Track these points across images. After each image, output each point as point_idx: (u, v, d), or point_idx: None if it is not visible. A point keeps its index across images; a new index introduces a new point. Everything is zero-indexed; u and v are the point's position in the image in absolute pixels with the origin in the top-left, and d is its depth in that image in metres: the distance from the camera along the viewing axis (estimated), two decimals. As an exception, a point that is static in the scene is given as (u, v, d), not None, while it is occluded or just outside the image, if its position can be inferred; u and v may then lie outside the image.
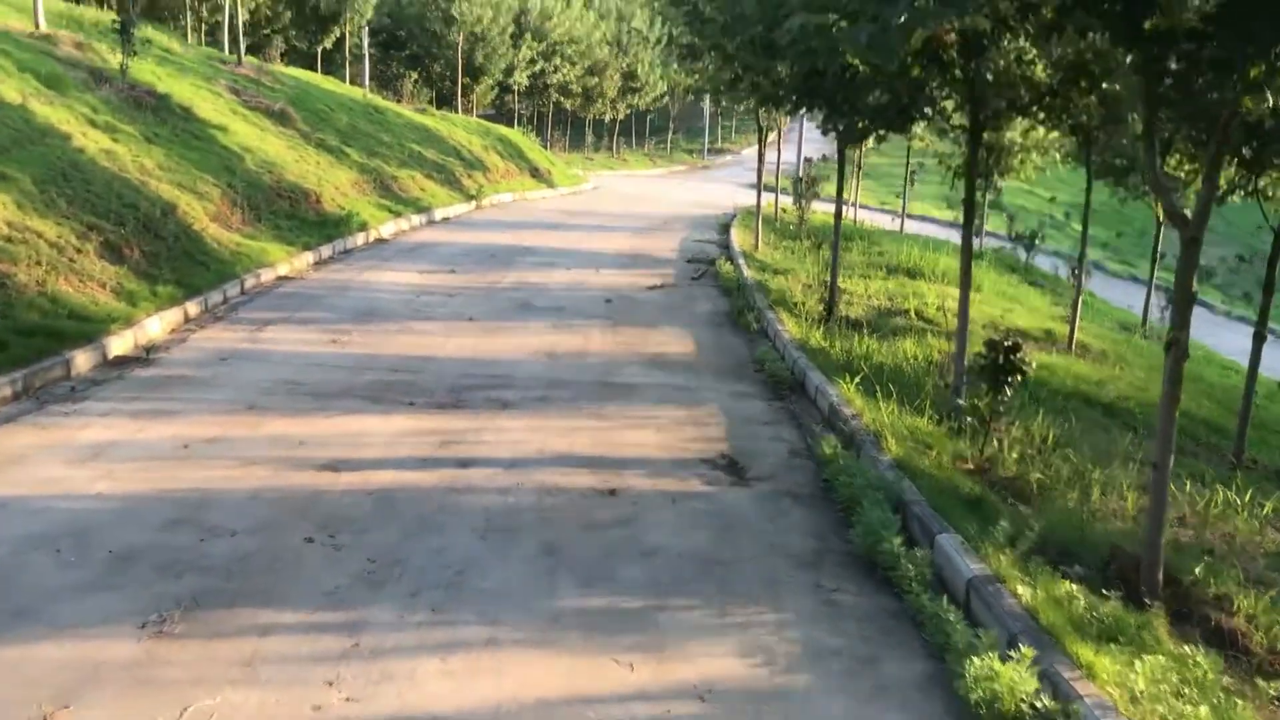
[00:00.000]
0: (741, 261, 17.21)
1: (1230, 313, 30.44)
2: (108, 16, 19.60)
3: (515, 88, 50.01)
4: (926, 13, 5.44)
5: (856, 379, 9.01)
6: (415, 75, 42.95)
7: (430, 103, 41.52)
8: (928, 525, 6.11)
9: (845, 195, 32.93)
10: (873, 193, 43.43)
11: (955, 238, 30.77)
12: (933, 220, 38.32)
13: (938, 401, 9.06)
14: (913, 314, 14.33)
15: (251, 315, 11.51)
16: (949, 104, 9.59)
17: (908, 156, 28.79)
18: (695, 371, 10.31)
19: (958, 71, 8.49)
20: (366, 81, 33.92)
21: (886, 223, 32.75)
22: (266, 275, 13.54)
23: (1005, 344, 7.66)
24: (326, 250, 15.99)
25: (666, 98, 63.58)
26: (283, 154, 19.23)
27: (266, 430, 7.56)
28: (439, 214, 22.41)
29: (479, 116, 43.05)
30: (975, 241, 27.03)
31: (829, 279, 15.73)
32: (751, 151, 69.76)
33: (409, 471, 6.87)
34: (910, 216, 36.51)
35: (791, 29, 6.25)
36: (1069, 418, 9.89)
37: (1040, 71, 8.90)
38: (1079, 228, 47.41)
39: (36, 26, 16.55)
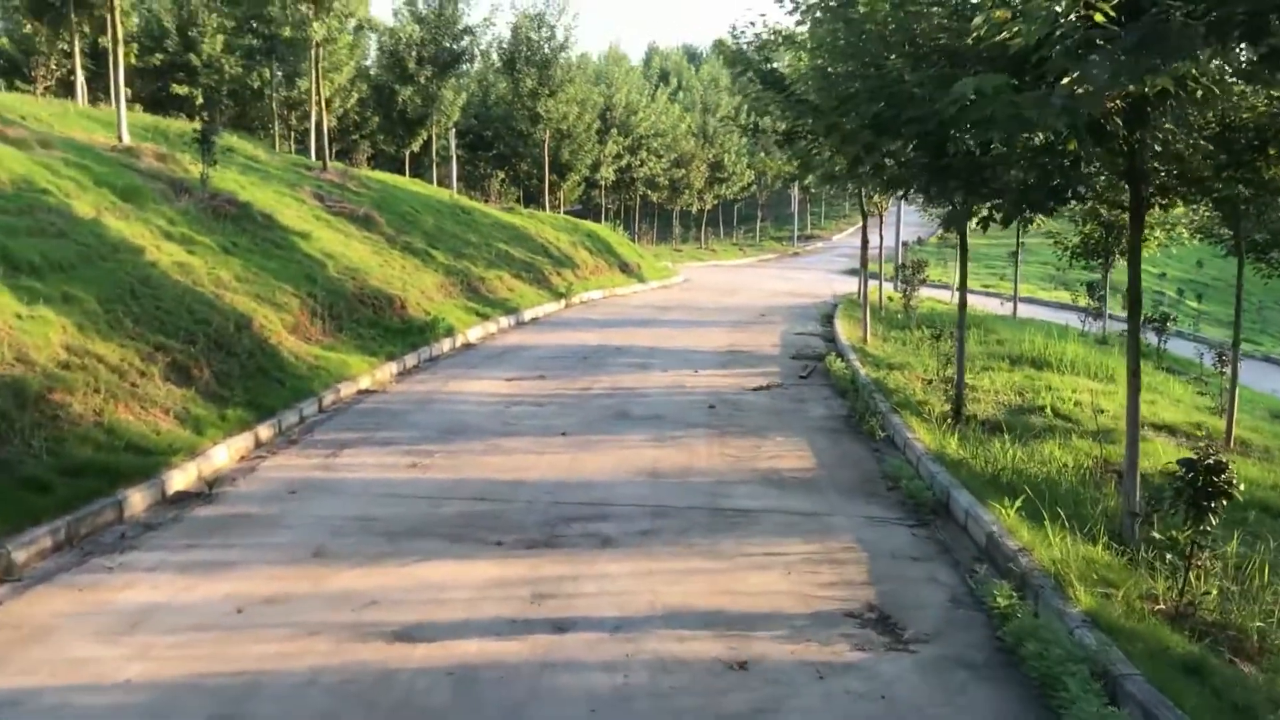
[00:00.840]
0: (852, 356, 15.95)
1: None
2: (192, 127, 19.48)
3: (602, 182, 49.99)
4: (1133, 68, 4.33)
5: (1017, 503, 7.66)
6: (502, 174, 43.15)
7: (518, 201, 41.55)
8: (1154, 714, 4.73)
9: (950, 279, 31.32)
10: (973, 275, 41.79)
11: (1068, 319, 29.06)
12: (1039, 302, 36.51)
13: (1106, 522, 7.66)
14: (1049, 411, 12.86)
15: (327, 437, 10.62)
16: (1101, 180, 8.34)
17: (1018, 236, 27.28)
18: (818, 491, 9.04)
19: (1120, 143, 7.29)
20: (454, 182, 33.92)
21: (994, 307, 31.16)
22: (347, 390, 12.72)
23: (1207, 461, 6.28)
24: (411, 359, 15.21)
25: (754, 186, 63.11)
26: (366, 259, 18.71)
27: (333, 585, 6.51)
28: (528, 314, 21.65)
29: (566, 213, 42.91)
30: (1097, 325, 25.34)
31: (953, 374, 14.41)
32: (842, 237, 68.78)
33: (495, 640, 5.71)
34: (1003, 297, 34.87)
35: (963, 93, 5.14)
36: (1258, 535, 8.37)
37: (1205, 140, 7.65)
38: (1193, 304, 45.08)
39: (120, 140, 16.37)
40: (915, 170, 8.33)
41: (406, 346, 15.60)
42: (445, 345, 16.84)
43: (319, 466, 9.50)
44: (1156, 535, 6.18)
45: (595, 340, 18.66)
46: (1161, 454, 10.85)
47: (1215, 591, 6.49)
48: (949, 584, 6.79)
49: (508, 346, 17.70)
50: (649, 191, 55.21)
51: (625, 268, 32.43)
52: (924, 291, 25.42)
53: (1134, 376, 7.93)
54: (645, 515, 8.14)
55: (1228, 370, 16.92)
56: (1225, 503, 6.23)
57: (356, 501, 8.38)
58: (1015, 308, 27.81)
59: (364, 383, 13.31)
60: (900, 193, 10.73)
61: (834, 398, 13.47)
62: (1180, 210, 21.97)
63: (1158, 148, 7.18)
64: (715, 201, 61.38)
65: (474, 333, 18.35)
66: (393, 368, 14.43)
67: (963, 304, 12.71)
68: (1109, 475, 9.90)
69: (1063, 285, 44.09)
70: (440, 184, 35.38)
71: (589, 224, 35.51)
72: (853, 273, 43.53)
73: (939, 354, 15.61)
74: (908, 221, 42.99)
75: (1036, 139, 7.88)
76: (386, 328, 16.19)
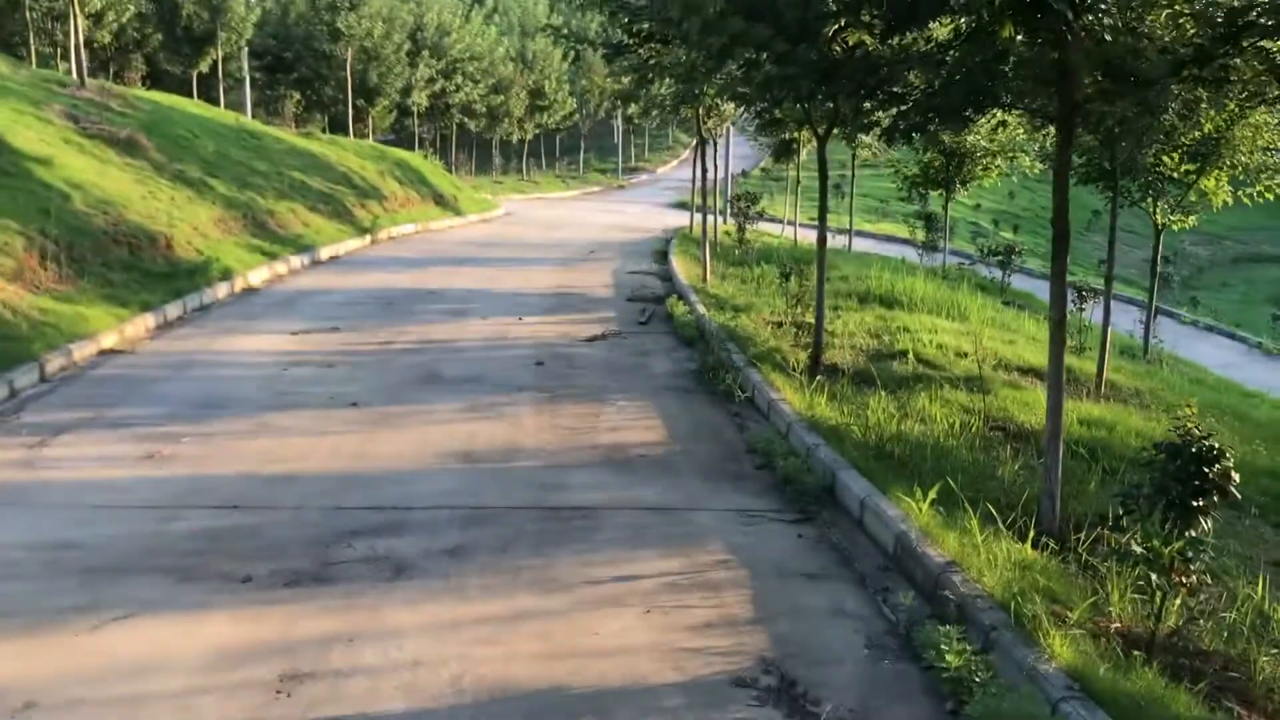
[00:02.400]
0: (694, 298, 14.25)
1: (1198, 323, 28.45)
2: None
3: (415, 109, 46.66)
4: None
5: (930, 494, 6.05)
6: (298, 96, 39.31)
7: (324, 130, 37.92)
8: None
9: (780, 213, 30.18)
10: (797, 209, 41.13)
11: (902, 253, 28.32)
12: (869, 235, 35.86)
13: (1024, 508, 6.18)
14: (911, 356, 11.48)
15: (41, 418, 8.14)
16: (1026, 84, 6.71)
17: (853, 165, 26.18)
18: (674, 473, 7.27)
19: (1056, 31, 5.65)
20: (249, 107, 30.41)
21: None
22: (83, 351, 10.13)
23: (1198, 448, 4.79)
24: (174, 309, 12.59)
25: (576, 115, 60.71)
26: (126, 190, 15.73)
27: (-30, 676, 4.30)
28: (325, 252, 19.02)
29: (381, 142, 39.59)
30: (933, 259, 24.56)
31: (804, 317, 12.92)
32: (666, 169, 67.30)
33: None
34: (843, 231, 34.07)
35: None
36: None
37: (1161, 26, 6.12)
38: (1007, 235, 45.62)
39: None
40: (798, 70, 6.49)
41: (169, 294, 12.95)
42: (221, 291, 14.22)
43: (17, 463, 7.08)
44: (1136, 548, 4.67)
45: (404, 283, 16.34)
46: (1040, 403, 9.65)
47: (1204, 618, 5.04)
48: (861, 616, 5.11)
49: (298, 291, 15.19)
50: (466, 119, 52.01)
51: (440, 200, 29.80)
52: (755, 226, 23.99)
53: (1059, 327, 6.42)
54: (455, 523, 6.16)
55: (1086, 309, 16.14)
56: (1219, 501, 4.76)
57: (53, 518, 6.08)
58: (850, 241, 26.81)
59: (108, 341, 10.71)
60: (764, 103, 8.90)
61: (679, 348, 11.72)
62: (1017, 134, 21.27)
63: (1106, 36, 5.57)
64: (536, 131, 58.62)
65: (258, 275, 15.73)
66: (149, 321, 11.83)
67: (822, 240, 11.11)
68: (995, 435, 8.53)
69: (884, 218, 43.91)
70: (232, 109, 31.63)
71: (399, 152, 32.53)
72: (681, 206, 42.01)
73: (787, 294, 14.09)
74: (735, 154, 41.72)
75: (943, 29, 6.19)
76: (147, 271, 13.44)
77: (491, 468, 7.26)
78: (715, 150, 22.40)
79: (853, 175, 26.91)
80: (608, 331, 12.46)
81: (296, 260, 17.58)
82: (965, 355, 12.00)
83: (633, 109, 56.35)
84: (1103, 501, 6.43)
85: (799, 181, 27.91)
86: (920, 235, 25.24)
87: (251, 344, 11.25)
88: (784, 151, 28.97)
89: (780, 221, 31.47)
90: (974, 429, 8.54)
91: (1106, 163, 15.72)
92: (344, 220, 22.00)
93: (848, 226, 36.12)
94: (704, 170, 16.97)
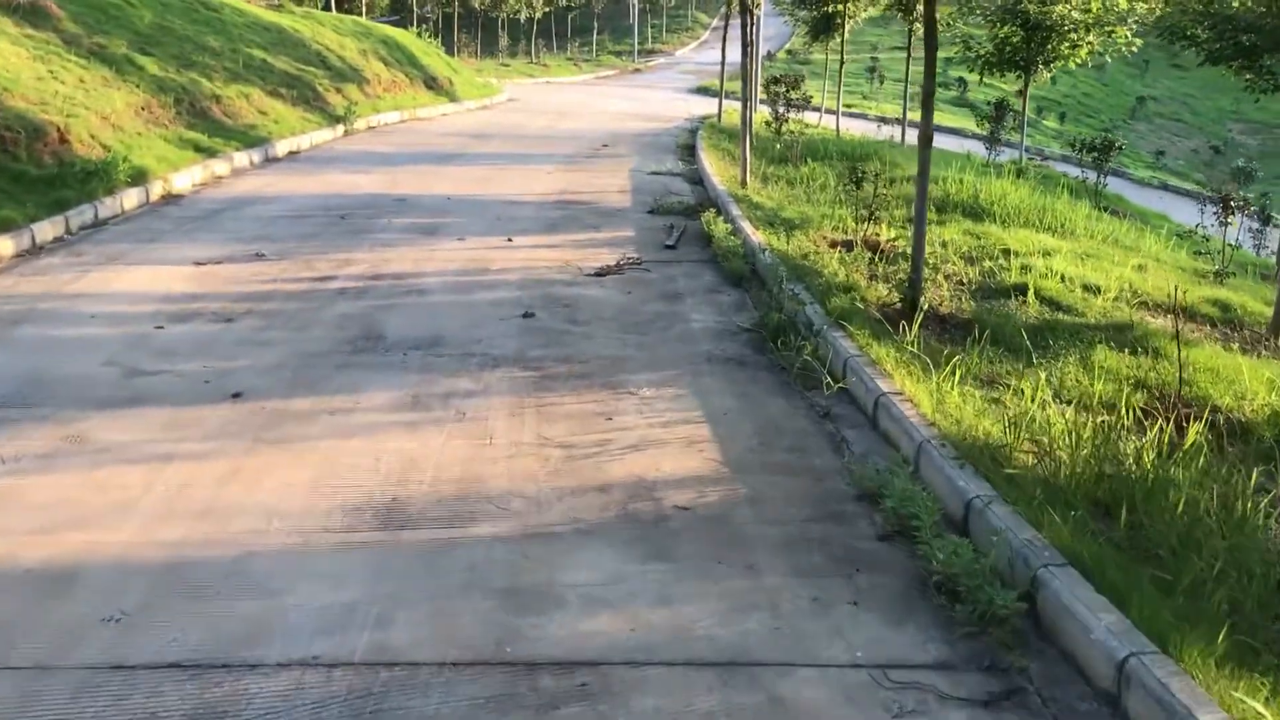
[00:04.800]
0: (735, 211, 10.98)
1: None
2: None
3: (412, -18, 42.51)
4: None
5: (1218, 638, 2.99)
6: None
7: (322, 9, 33.95)
8: None
9: (822, 101, 26.47)
10: (827, 94, 37.26)
11: (958, 146, 24.72)
12: (915, 125, 32.00)
13: None
14: (1031, 296, 8.30)
15: None
16: None
17: (909, 46, 22.44)
18: (742, 554, 4.19)
19: None
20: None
21: (869, 130, 26.62)
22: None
23: None
24: (49, 228, 9.48)
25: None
26: (17, 68, 12.43)
27: None
28: (283, 147, 15.73)
29: (382, 20, 35.67)
30: (988, 152, 21.05)
31: (878, 232, 9.81)
32: (685, 51, 62.77)
33: None
34: (885, 120, 30.28)
35: None
36: None
37: None
38: (1053, 124, 41.48)
39: None
40: None
41: (48, 206, 9.84)
42: (130, 200, 11.06)
43: None
44: None
45: (371, 186, 13.10)
46: (1227, 366, 6.59)
47: None
48: None
49: (234, 198, 11.98)
50: (469, -5, 47.77)
51: (433, 84, 26.17)
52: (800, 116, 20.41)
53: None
54: None
55: (1232, 225, 12.78)
56: None
57: None
58: (904, 133, 23.21)
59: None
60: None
61: (724, 286, 8.54)
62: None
63: None
64: (547, 9, 54.16)
65: (186, 178, 12.51)
66: (5, 245, 8.73)
67: (926, 139, 7.74)
68: (1202, 437, 5.35)
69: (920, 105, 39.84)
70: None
71: (387, 28, 28.67)
72: (703, 92, 38.09)
73: (857, 204, 10.82)
74: (765, 35, 37.55)
75: None
76: (18, 175, 10.30)
77: (425, 543, 4.20)
78: (752, 23, 18.77)
79: (908, 57, 23.07)
80: (624, 260, 9.27)
81: (243, 157, 14.31)
82: (1096, 290, 8.84)
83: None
84: None
85: (843, 62, 24.14)
86: (983, 127, 21.62)
87: (131, 282, 8.13)
88: (824, 28, 25.16)
89: (818, 110, 27.75)
90: (1164, 428, 5.37)
91: (1246, 37, 12.26)
92: (312, 107, 18.59)
93: (889, 115, 32.31)
94: (745, 44, 13.43)
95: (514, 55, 54.40)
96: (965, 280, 8.87)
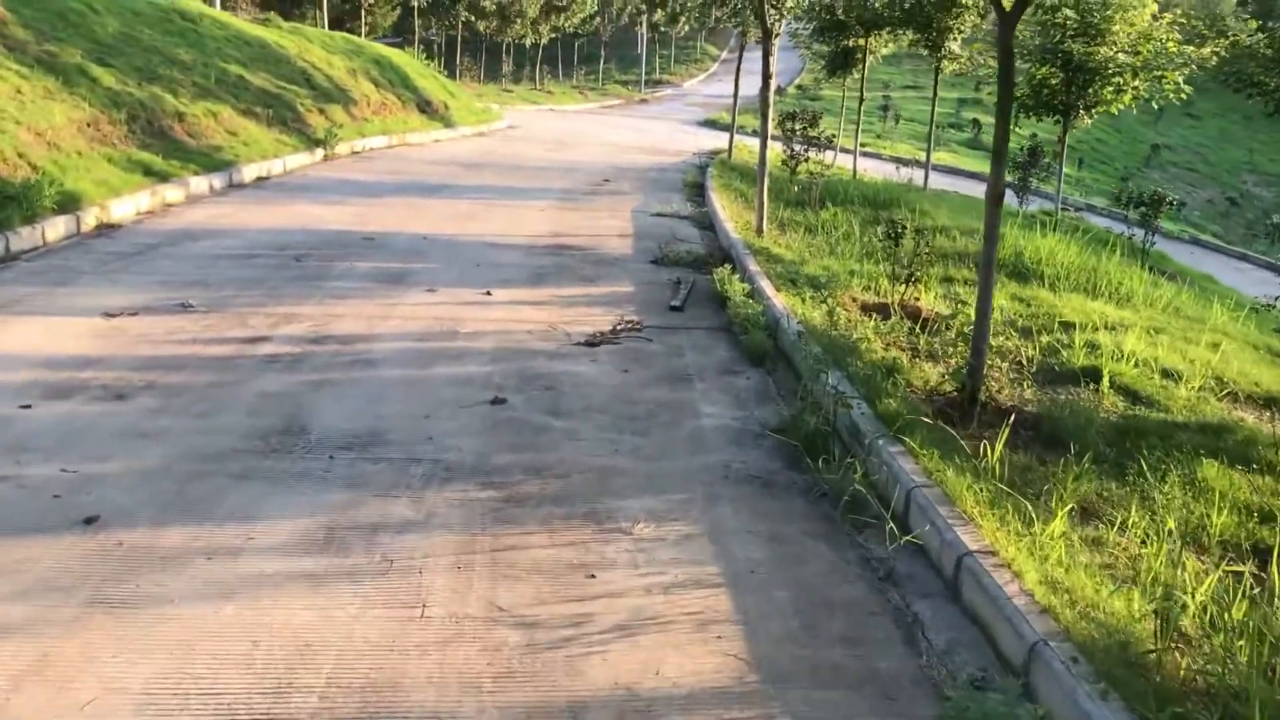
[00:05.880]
0: (752, 265, 9.48)
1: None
2: None
3: (416, 3, 41.31)
4: None
5: None
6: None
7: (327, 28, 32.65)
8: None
9: (839, 140, 25.12)
10: (841, 132, 35.91)
11: (976, 189, 23.29)
12: (936, 167, 30.58)
13: None
14: (1106, 385, 6.79)
15: None
16: None
17: (936, 85, 21.07)
18: None
19: None
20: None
21: (888, 172, 25.16)
22: None
23: None
24: (-63, 264, 7.97)
25: (597, 18, 55.06)
26: (-61, 74, 10.99)
27: None
28: (250, 171, 14.25)
29: (384, 41, 34.39)
30: (1019, 202, 19.64)
31: (918, 298, 8.34)
32: (694, 84, 61.58)
33: None
34: (903, 162, 28.83)
35: None
36: None
37: None
38: (1070, 171, 40.28)
39: None
40: None
41: (-57, 238, 8.33)
42: (54, 230, 9.57)
43: None
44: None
45: (340, 220, 11.61)
46: None
47: None
48: None
49: (179, 231, 10.48)
50: (474, 18, 46.56)
51: (427, 108, 24.75)
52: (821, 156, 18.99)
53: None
54: None
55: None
56: None
57: None
58: (927, 176, 21.78)
59: None
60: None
61: (741, 365, 7.02)
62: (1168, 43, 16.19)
63: None
64: (553, 35, 52.94)
65: (129, 205, 11.02)
66: (-127, 286, 7.22)
67: (997, 196, 6.23)
68: None
69: (938, 145, 38.56)
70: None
71: (380, 47, 27.26)
72: (711, 125, 36.77)
73: (895, 260, 9.31)
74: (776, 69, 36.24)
75: None
76: (-84, 199, 8.79)
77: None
78: (772, 52, 17.39)
79: (934, 97, 21.69)
80: (621, 325, 7.75)
81: (202, 183, 12.83)
82: (1176, 377, 7.38)
83: (659, 16, 50.57)
84: None
85: (862, 99, 22.76)
86: (1012, 174, 20.19)
87: (15, 340, 6.61)
88: (841, 63, 23.79)
89: (834, 149, 26.36)
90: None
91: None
92: (290, 128, 17.14)
93: (905, 156, 30.93)
94: (765, 75, 11.98)
95: (518, 81, 53.21)
96: (1021, 356, 7.41)
